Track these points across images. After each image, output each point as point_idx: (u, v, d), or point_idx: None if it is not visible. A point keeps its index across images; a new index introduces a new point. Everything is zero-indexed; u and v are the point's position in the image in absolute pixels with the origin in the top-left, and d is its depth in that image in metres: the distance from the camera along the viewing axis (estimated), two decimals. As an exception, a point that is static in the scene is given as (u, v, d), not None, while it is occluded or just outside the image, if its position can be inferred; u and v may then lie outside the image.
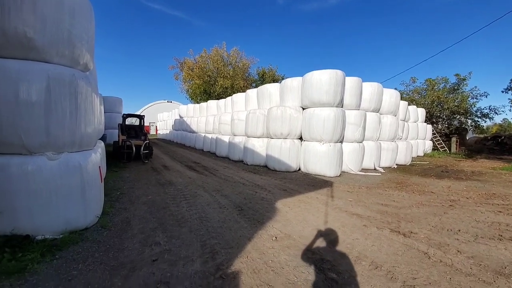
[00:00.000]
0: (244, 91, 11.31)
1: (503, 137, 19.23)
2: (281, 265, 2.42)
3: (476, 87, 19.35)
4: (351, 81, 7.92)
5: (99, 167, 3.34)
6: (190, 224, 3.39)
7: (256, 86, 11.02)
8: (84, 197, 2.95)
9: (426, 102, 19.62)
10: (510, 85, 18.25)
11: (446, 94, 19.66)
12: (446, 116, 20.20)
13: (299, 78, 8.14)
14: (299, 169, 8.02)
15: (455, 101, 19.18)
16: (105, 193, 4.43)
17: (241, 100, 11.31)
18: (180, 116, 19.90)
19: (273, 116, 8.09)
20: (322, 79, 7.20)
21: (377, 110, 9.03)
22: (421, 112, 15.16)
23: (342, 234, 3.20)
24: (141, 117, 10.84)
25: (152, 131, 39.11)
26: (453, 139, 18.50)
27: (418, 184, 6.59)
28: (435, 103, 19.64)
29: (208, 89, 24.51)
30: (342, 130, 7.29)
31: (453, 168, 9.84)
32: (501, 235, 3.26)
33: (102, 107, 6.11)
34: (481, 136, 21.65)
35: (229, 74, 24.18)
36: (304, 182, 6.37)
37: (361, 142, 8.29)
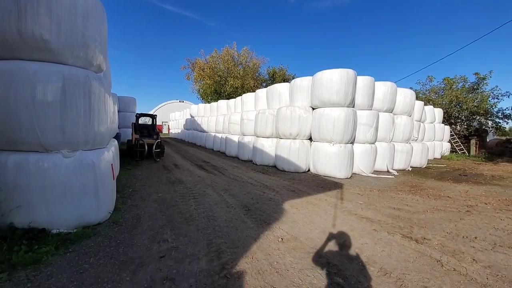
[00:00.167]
0: (254, 91, 11.31)
1: (527, 140, 18.07)
2: (286, 267, 2.40)
3: (497, 86, 18.30)
4: (363, 81, 7.72)
5: (112, 165, 3.45)
6: (197, 222, 3.44)
7: (266, 86, 11.01)
8: (97, 194, 3.06)
9: (444, 102, 18.77)
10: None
11: (465, 94, 18.72)
12: (465, 117, 19.23)
13: (309, 78, 8.03)
14: (308, 170, 7.92)
15: (474, 101, 18.21)
16: (118, 190, 4.59)
17: (251, 100, 11.33)
18: (191, 116, 20.22)
19: (282, 116, 8.03)
20: (333, 79, 7.06)
21: (390, 110, 8.75)
22: (438, 112, 14.53)
23: (351, 238, 3.13)
24: (153, 117, 11.10)
25: (165, 130, 40.04)
26: (472, 141, 17.60)
27: (434, 188, 6.33)
28: (453, 103, 18.75)
29: (219, 89, 24.73)
30: (353, 130, 7.13)
31: (472, 172, 9.37)
32: (523, 244, 3.06)
33: (116, 107, 6.31)
34: (503, 138, 20.41)
35: (239, 74, 24.29)
36: (313, 184, 6.29)
37: (373, 143, 8.06)
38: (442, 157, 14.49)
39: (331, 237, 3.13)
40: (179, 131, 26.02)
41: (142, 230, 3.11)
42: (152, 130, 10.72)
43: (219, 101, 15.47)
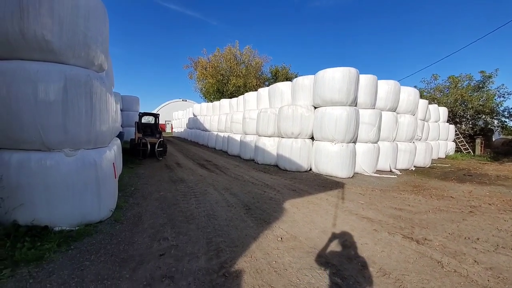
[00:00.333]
0: (256, 90, 11.29)
1: (535, 139, 17.75)
2: (285, 267, 2.40)
3: (503, 84, 17.99)
4: (366, 79, 7.65)
5: (113, 163, 3.49)
6: (198, 221, 3.46)
7: (269, 85, 10.97)
8: (99, 192, 3.09)
9: (449, 101, 18.52)
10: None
11: (470, 92, 18.43)
12: (470, 116, 18.95)
13: (311, 76, 7.99)
14: (310, 169, 7.90)
15: (480, 99, 17.92)
16: (120, 188, 4.65)
17: (253, 99, 11.32)
18: (194, 115, 20.30)
19: (284, 115, 8.01)
20: (335, 77, 7.02)
21: (393, 109, 8.66)
22: (443, 111, 14.34)
23: (350, 238, 3.12)
24: (156, 116, 11.18)
25: (168, 129, 40.27)
26: (478, 141, 17.35)
27: (437, 188, 6.27)
28: (459, 101, 18.48)
29: (221, 88, 24.77)
30: (355, 130, 7.08)
31: (477, 172, 9.24)
32: (527, 246, 3.02)
33: (118, 106, 6.37)
34: (509, 137, 20.07)
35: (241, 72, 24.28)
36: (315, 183, 6.27)
37: (376, 142, 8.00)
38: (447, 156, 14.32)
39: (331, 237, 3.12)
40: (182, 130, 26.15)
41: (143, 228, 3.15)
42: (155, 129, 10.79)
43: (222, 100, 15.49)
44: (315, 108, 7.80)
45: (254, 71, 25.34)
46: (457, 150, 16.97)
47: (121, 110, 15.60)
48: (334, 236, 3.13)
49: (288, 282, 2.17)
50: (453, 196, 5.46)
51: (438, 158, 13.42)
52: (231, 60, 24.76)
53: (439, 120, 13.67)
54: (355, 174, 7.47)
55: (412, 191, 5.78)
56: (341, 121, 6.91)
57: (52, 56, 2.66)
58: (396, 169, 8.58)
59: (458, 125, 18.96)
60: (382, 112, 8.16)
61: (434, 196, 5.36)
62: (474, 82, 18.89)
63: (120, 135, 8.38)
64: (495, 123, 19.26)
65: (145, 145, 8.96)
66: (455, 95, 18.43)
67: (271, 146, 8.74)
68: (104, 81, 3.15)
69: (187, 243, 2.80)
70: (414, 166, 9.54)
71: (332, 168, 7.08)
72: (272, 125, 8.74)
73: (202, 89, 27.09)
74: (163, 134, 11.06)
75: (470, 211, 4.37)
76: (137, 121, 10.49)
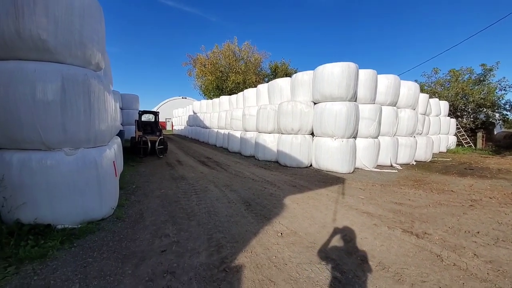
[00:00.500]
0: (256, 86, 11.24)
1: (537, 132, 17.65)
2: (285, 261, 2.43)
3: (504, 77, 17.80)
4: (365, 74, 7.60)
5: (114, 162, 3.51)
6: (198, 217, 3.49)
7: (269, 81, 10.91)
8: (100, 190, 3.12)
9: (450, 95, 18.39)
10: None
11: (471, 86, 18.28)
12: (471, 109, 18.82)
13: (310, 72, 7.94)
14: (311, 165, 7.91)
15: (481, 93, 17.78)
16: (122, 186, 4.68)
17: (253, 95, 11.28)
18: (194, 112, 20.28)
19: (284, 111, 7.99)
20: (334, 72, 6.97)
21: (393, 104, 8.62)
22: (444, 105, 14.25)
23: (350, 232, 3.14)
24: (156, 114, 11.18)
25: (168, 127, 40.29)
26: (479, 134, 17.28)
27: (438, 182, 6.27)
28: (460, 95, 18.35)
29: (221, 84, 24.65)
30: (355, 125, 7.06)
31: (478, 165, 9.22)
32: (526, 239, 3.03)
33: (117, 104, 6.36)
34: (511, 130, 19.97)
35: (241, 69, 24.12)
36: (315, 179, 6.29)
37: (376, 137, 7.98)
38: (448, 150, 14.28)
39: (330, 232, 3.14)
40: (182, 127, 26.16)
41: (144, 225, 3.18)
42: (155, 127, 10.80)
43: (221, 97, 15.45)
44: (315, 103, 7.77)
45: (254, 67, 25.17)
46: (458, 144, 16.92)
47: (121, 109, 15.61)
48: (334, 231, 3.15)
49: (288, 277, 2.19)
50: (454, 190, 5.46)
51: (439, 152, 13.39)
52: (230, 57, 24.58)
53: (440, 114, 13.59)
54: (356, 169, 7.48)
55: (412, 186, 5.78)
56: (341, 117, 6.89)
57: (48, 56, 2.66)
58: (397, 164, 8.58)
59: (459, 118, 18.86)
60: (382, 106, 8.13)
61: (434, 190, 5.37)
62: (475, 75, 18.74)
63: (120, 134, 8.39)
64: (497, 116, 19.14)
65: (146, 143, 8.99)
66: (456, 89, 18.29)
67: (271, 142, 8.74)
68: (102, 79, 3.14)
69: (188, 239, 2.83)
70: (415, 161, 9.53)
71: (332, 163, 7.09)
72: (272, 121, 8.72)
73: (201, 86, 26.99)
74: (164, 132, 11.06)
75: (471, 205, 4.38)
76: (137, 119, 10.50)
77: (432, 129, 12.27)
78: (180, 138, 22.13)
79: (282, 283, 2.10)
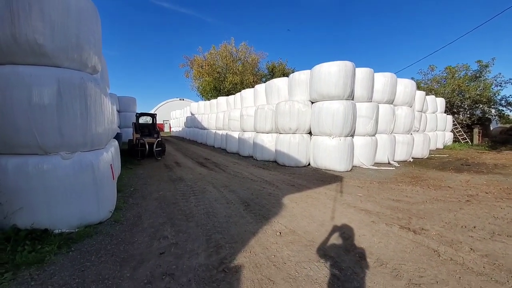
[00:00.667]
0: (254, 87, 11.26)
1: (532, 127, 17.82)
2: (284, 260, 2.44)
3: (500, 73, 17.92)
4: (362, 72, 7.64)
5: (111, 165, 3.50)
6: (197, 219, 3.49)
7: (266, 81, 10.92)
8: (97, 194, 3.11)
9: (446, 91, 18.49)
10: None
11: (468, 82, 18.41)
12: (467, 106, 18.94)
13: (307, 71, 7.97)
14: (309, 164, 7.93)
15: (477, 89, 17.90)
16: (120, 189, 4.66)
17: (250, 95, 11.30)
18: (192, 114, 20.26)
19: (281, 111, 8.01)
20: (331, 71, 7.00)
21: (390, 102, 8.67)
22: (440, 102, 14.35)
23: (348, 230, 3.16)
24: (153, 116, 11.15)
25: (166, 129, 40.16)
26: (475, 130, 17.40)
27: (435, 178, 6.31)
28: (456, 92, 18.47)
29: (218, 85, 24.62)
30: (352, 123, 7.09)
31: (474, 161, 9.30)
32: (522, 232, 3.06)
33: (114, 107, 6.34)
34: (507, 126, 20.15)
35: (238, 70, 24.12)
36: (313, 177, 6.30)
37: (373, 135, 8.02)
38: (445, 147, 14.38)
39: (329, 230, 3.16)
40: (180, 129, 26.11)
41: (142, 228, 3.17)
42: (152, 129, 10.77)
43: (219, 98, 15.44)
44: (312, 103, 7.79)
45: (251, 68, 25.18)
46: (455, 140, 17.03)
47: (118, 111, 15.54)
48: (332, 229, 3.17)
49: (287, 275, 2.20)
50: (451, 186, 5.51)
51: (436, 148, 13.48)
52: (227, 58, 24.57)
53: (436, 111, 13.69)
54: (354, 167, 7.51)
55: (410, 182, 5.82)
56: (338, 115, 6.92)
57: (45, 60, 2.65)
58: (394, 161, 8.63)
59: (456, 115, 18.99)
60: (379, 104, 8.17)
61: (431, 187, 5.41)
62: (471, 72, 18.86)
63: (118, 136, 8.35)
64: (493, 112, 19.29)
65: (143, 145, 8.96)
66: (452, 86, 18.41)
67: (269, 142, 8.76)
68: (98, 82, 3.14)
69: (186, 240, 2.83)
70: (412, 158, 9.59)
71: (330, 162, 7.12)
72: (270, 121, 8.74)
73: (199, 88, 26.93)
74: (161, 134, 11.03)
75: (467, 200, 4.42)
76: (135, 121, 10.47)
77: (429, 126, 12.36)
78: (178, 139, 22.09)
79: (281, 282, 2.11)
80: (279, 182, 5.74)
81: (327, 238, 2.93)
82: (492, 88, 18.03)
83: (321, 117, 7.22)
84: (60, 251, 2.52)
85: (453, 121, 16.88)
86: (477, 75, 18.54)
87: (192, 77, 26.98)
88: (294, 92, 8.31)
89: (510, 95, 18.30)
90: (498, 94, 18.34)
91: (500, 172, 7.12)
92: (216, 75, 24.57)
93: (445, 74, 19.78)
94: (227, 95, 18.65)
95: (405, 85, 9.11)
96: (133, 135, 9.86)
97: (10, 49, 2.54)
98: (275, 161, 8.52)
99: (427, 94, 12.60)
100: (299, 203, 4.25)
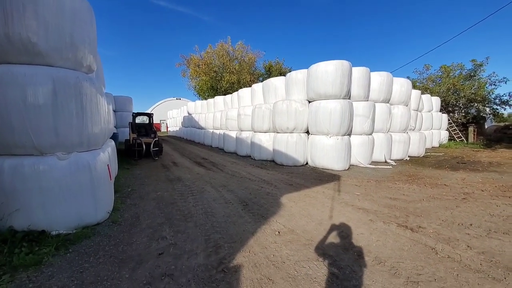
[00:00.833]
0: (251, 86, 11.24)
1: (526, 125, 18.12)
2: (283, 260, 2.45)
3: (494, 72, 18.22)
4: (359, 72, 7.68)
5: (108, 165, 3.47)
6: (195, 219, 3.48)
7: (263, 80, 10.90)
8: (94, 195, 3.08)
9: (441, 90, 18.71)
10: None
11: (462, 81, 18.64)
12: (462, 104, 19.20)
13: (304, 71, 7.98)
14: (307, 163, 7.96)
15: (471, 88, 18.16)
16: (117, 189, 4.62)
17: (247, 95, 11.27)
18: (189, 113, 20.16)
19: (279, 110, 8.02)
20: (328, 71, 7.02)
21: (387, 101, 8.73)
22: (436, 101, 14.51)
23: (347, 229, 3.17)
24: (150, 115, 11.08)
25: (163, 129, 39.94)
26: (470, 129, 17.64)
27: (431, 176, 6.38)
28: (451, 91, 18.69)
29: (215, 85, 24.54)
30: (349, 122, 7.13)
31: (470, 159, 9.42)
32: (517, 229, 3.11)
33: (110, 107, 6.28)
34: (501, 124, 20.44)
35: (235, 69, 24.04)
36: (311, 177, 6.33)
37: (370, 134, 8.08)
38: (440, 145, 14.54)
39: (327, 228, 3.17)
40: (177, 128, 25.98)
41: (141, 229, 3.15)
42: (149, 129, 10.71)
43: (216, 97, 15.38)
44: (309, 102, 7.81)
45: (248, 67, 25.10)
46: (451, 138, 17.24)
47: (114, 111, 15.41)
48: (330, 228, 3.19)
49: (286, 275, 2.21)
50: (447, 184, 5.57)
51: (432, 147, 13.62)
52: (224, 57, 24.48)
53: (432, 109, 13.83)
54: (351, 166, 7.55)
55: (406, 181, 5.88)
56: (335, 114, 6.94)
57: (39, 59, 2.61)
58: (391, 160, 8.70)
59: (451, 114, 19.21)
60: (376, 103, 8.22)
61: (428, 185, 5.46)
62: (466, 71, 19.10)
63: (114, 137, 8.29)
64: (487, 110, 19.56)
65: (140, 145, 8.90)
66: (447, 85, 18.62)
67: (267, 141, 8.76)
68: (94, 82, 3.10)
69: (185, 241, 2.82)
70: (409, 156, 9.68)
71: (328, 161, 7.15)
72: (267, 120, 8.74)
73: (195, 87, 26.81)
74: (158, 134, 10.97)
75: (463, 198, 4.47)
76: (131, 121, 10.39)
77: (424, 124, 12.48)
78: (175, 139, 21.97)
79: (280, 281, 2.12)
80: (277, 182, 5.75)
81: (326, 237, 2.94)
82: (486, 87, 18.30)
83: (318, 116, 7.24)
84: (57, 252, 2.49)
85: (449, 120, 17.08)
86: (472, 74, 18.78)
87: (188, 76, 26.85)
88: (292, 91, 8.32)
89: (504, 94, 18.62)
90: (493, 93, 18.63)
91: (495, 170, 7.22)
92: (213, 74, 24.47)
93: (440, 73, 20.01)
94: (224, 94, 18.60)
95: (401, 84, 9.18)
96: (129, 135, 9.78)
97: (4, 48, 2.49)
98: (273, 161, 8.53)
99: (422, 93, 12.72)
100: (297, 202, 4.26)
